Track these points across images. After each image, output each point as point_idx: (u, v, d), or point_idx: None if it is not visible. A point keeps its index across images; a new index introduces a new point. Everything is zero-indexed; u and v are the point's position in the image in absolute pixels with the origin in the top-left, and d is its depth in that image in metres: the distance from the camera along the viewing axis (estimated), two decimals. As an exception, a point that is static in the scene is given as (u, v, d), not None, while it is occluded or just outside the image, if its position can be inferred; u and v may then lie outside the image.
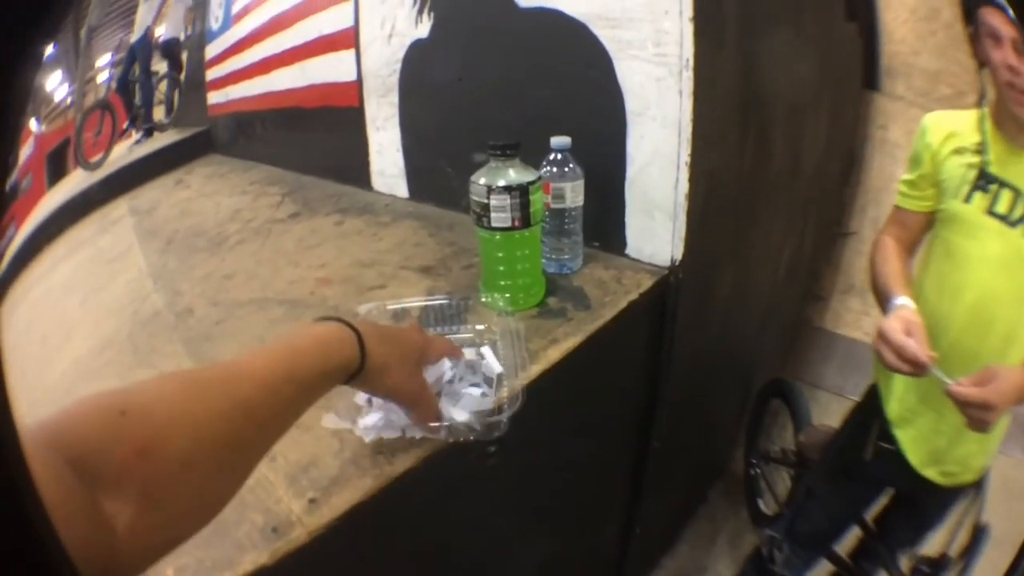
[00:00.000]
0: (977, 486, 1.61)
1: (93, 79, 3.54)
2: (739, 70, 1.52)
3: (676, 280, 1.42)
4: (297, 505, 0.85)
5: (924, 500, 1.65)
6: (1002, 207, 1.29)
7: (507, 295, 1.25)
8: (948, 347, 1.33)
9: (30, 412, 1.46)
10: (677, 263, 1.41)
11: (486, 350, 1.08)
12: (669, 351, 1.51)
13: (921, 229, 1.46)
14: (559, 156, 1.36)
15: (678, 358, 1.55)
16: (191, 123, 3.67)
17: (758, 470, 2.33)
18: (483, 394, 1.01)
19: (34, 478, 0.39)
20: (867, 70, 3.14)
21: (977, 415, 1.17)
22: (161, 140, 3.66)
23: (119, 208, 2.95)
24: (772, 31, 1.72)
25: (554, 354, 1.15)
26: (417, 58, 1.87)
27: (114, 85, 3.57)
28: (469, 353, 1.06)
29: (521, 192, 1.18)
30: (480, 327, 1.14)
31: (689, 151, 1.33)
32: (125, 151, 3.56)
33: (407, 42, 1.88)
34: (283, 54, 2.60)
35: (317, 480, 0.90)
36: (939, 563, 1.68)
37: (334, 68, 2.24)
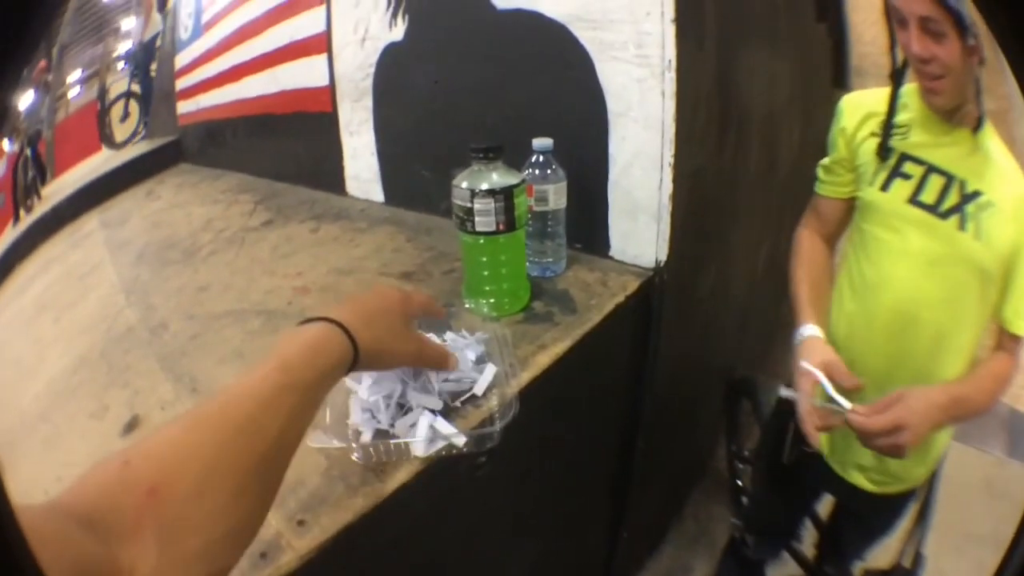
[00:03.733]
0: (926, 496, 1.53)
1: (64, 95, 3.52)
2: (718, 71, 1.49)
3: (661, 281, 1.40)
4: (286, 528, 0.82)
5: (861, 508, 1.52)
6: (929, 196, 1.15)
7: (492, 300, 1.21)
8: (868, 353, 1.25)
9: (5, 438, 1.37)
10: (662, 264, 1.39)
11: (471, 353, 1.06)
12: (655, 352, 1.49)
13: (840, 218, 1.34)
14: (541, 158, 1.32)
15: (663, 359, 1.52)
16: (161, 133, 3.61)
17: (737, 469, 2.32)
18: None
19: (46, 550, 0.41)
20: (836, 70, 3.15)
21: (887, 442, 1.06)
22: (130, 152, 3.62)
23: (89, 222, 2.90)
24: (749, 33, 1.71)
25: (543, 360, 1.11)
26: (392, 62, 1.83)
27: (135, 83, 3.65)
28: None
29: (505, 196, 1.14)
30: (468, 334, 1.10)
31: (673, 152, 1.30)
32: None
33: (381, 45, 1.84)
34: (254, 61, 2.56)
35: (305, 501, 0.86)
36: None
37: (306, 73, 2.20)
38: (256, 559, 0.78)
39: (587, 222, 1.45)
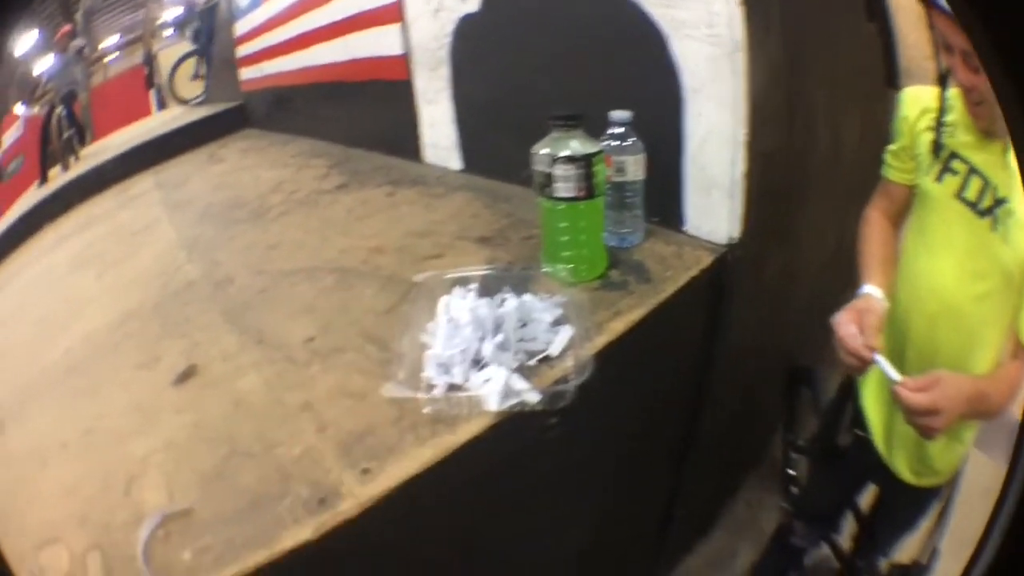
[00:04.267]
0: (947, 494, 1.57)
1: (100, 60, 3.39)
2: (785, 55, 1.54)
3: (733, 258, 1.46)
4: (349, 476, 0.85)
5: (897, 500, 1.60)
6: (971, 193, 1.24)
7: (570, 266, 1.27)
8: (913, 337, 1.34)
9: (18, 398, 1.32)
10: (735, 241, 1.45)
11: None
12: (725, 329, 1.55)
13: (906, 201, 1.41)
14: (620, 130, 1.38)
15: (731, 338, 1.58)
16: (220, 99, 3.69)
17: (791, 458, 2.35)
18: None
19: None
20: (888, 70, 3.17)
21: (924, 421, 1.13)
22: (189, 115, 3.67)
23: (141, 183, 2.91)
24: (811, 24, 1.75)
25: (618, 326, 1.17)
26: (468, 33, 1.91)
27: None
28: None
29: (585, 163, 1.21)
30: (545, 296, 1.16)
31: (745, 130, 1.37)
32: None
33: (456, 17, 1.91)
34: (322, 29, 2.63)
35: (373, 449, 0.89)
36: (907, 571, 1.67)
37: (378, 42, 2.28)
38: (314, 505, 0.80)
39: (663, 196, 1.50)
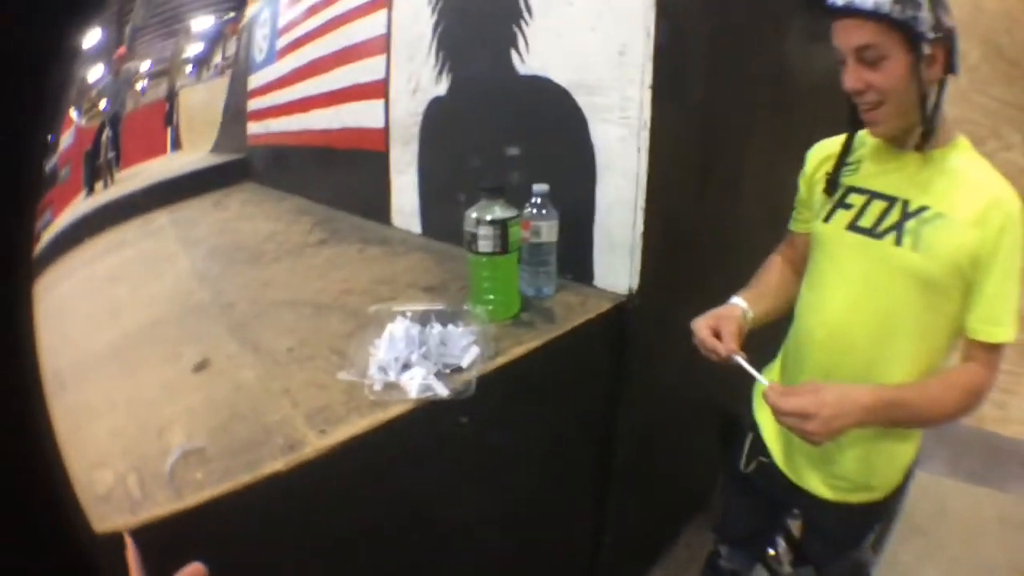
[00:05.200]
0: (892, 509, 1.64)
1: (134, 85, 3.75)
2: (701, 129, 1.88)
3: (633, 306, 1.78)
4: (311, 434, 1.22)
5: (824, 519, 1.65)
6: (867, 220, 1.34)
7: (489, 307, 1.64)
8: (809, 366, 1.48)
9: (75, 369, 1.79)
10: (634, 291, 1.78)
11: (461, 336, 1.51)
12: (628, 369, 1.85)
13: (806, 248, 1.53)
14: (539, 200, 1.74)
15: (641, 380, 1.88)
16: (228, 149, 4.10)
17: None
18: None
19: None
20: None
21: (794, 424, 1.20)
22: (200, 162, 4.08)
23: (160, 218, 3.36)
24: (745, 91, 2.06)
25: (518, 351, 1.53)
26: (436, 113, 2.29)
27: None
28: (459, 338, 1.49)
29: (503, 225, 1.59)
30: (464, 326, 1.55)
31: (644, 197, 1.70)
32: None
33: (428, 98, 2.30)
34: (321, 96, 3.02)
35: (328, 419, 1.27)
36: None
37: (365, 114, 2.66)
38: (286, 450, 1.16)
39: (576, 255, 1.85)
